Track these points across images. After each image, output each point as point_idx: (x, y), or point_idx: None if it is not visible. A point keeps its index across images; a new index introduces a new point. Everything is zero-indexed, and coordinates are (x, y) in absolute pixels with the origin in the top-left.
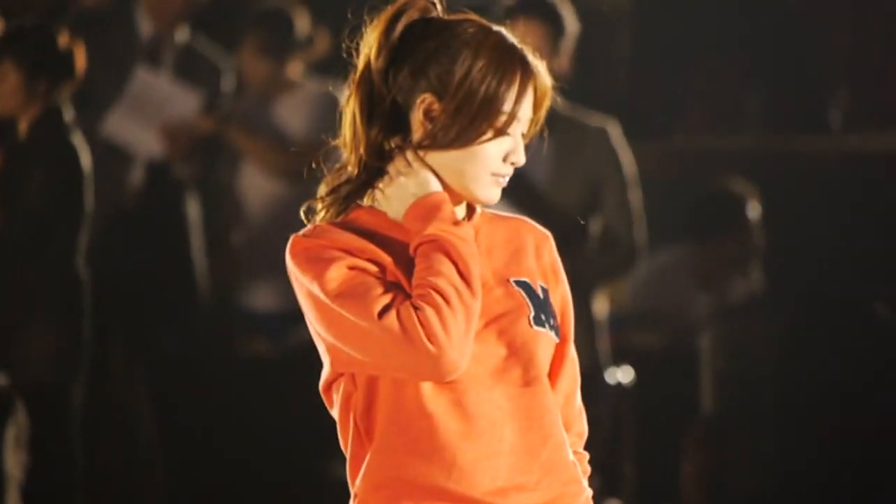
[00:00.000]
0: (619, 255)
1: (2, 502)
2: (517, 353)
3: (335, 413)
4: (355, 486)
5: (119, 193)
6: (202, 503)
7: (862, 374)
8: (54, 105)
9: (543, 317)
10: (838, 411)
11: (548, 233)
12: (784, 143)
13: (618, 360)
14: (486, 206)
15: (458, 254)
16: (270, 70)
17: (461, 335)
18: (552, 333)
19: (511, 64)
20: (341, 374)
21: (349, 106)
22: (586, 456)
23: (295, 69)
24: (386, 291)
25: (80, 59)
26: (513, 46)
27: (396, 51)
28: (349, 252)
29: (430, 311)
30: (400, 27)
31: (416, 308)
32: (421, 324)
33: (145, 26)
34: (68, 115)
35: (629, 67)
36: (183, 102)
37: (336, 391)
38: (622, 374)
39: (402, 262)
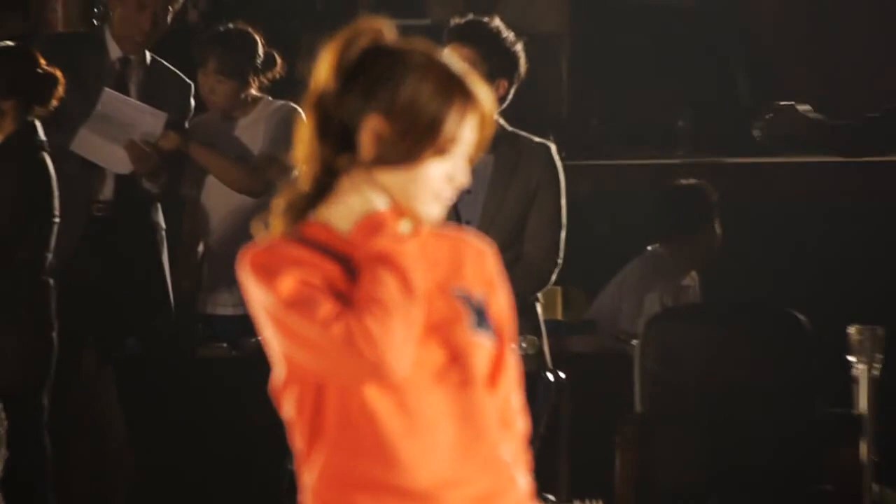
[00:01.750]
0: (531, 273)
1: None
2: (456, 358)
3: (286, 415)
4: (305, 482)
5: (90, 205)
6: (169, 492)
7: (784, 378)
8: (28, 122)
9: (481, 323)
10: (761, 413)
11: (488, 246)
12: (710, 158)
13: (555, 364)
14: (428, 223)
15: (399, 267)
16: (232, 89)
17: (401, 342)
18: (489, 339)
19: (454, 89)
20: (292, 380)
21: (303, 127)
22: (526, 452)
23: (255, 89)
24: (330, 302)
25: (60, 87)
26: (456, 73)
27: (348, 75)
28: (298, 264)
29: (370, 320)
30: (352, 53)
31: (359, 318)
32: (363, 332)
33: (113, 48)
34: (40, 132)
35: (567, 89)
36: (149, 121)
37: (287, 394)
38: (558, 377)
39: (349, 275)
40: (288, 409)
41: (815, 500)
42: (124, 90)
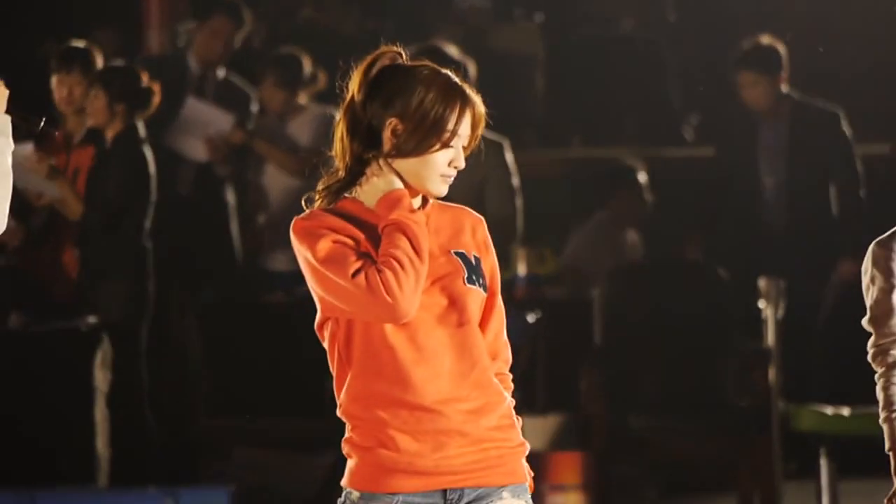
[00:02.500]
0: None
1: (91, 409)
2: (454, 303)
3: (325, 345)
4: (340, 398)
5: (176, 186)
6: (234, 403)
7: (710, 319)
8: (132, 123)
9: (474, 277)
10: (693, 346)
11: (481, 217)
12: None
13: (532, 307)
14: (436, 198)
15: (413, 233)
16: (285, 98)
17: (411, 291)
18: (481, 290)
19: (453, 96)
20: (329, 318)
21: (338, 127)
22: (510, 376)
23: (303, 98)
24: (358, 259)
25: (157, 96)
26: (455, 83)
27: (371, 88)
28: (333, 230)
29: (388, 274)
30: (374, 71)
31: (379, 271)
32: (382, 282)
33: (194, 66)
34: (142, 130)
35: (542, 95)
36: (221, 121)
37: (326, 329)
38: (535, 317)
39: (373, 238)
40: (326, 341)
41: (734, 413)
42: (202, 98)
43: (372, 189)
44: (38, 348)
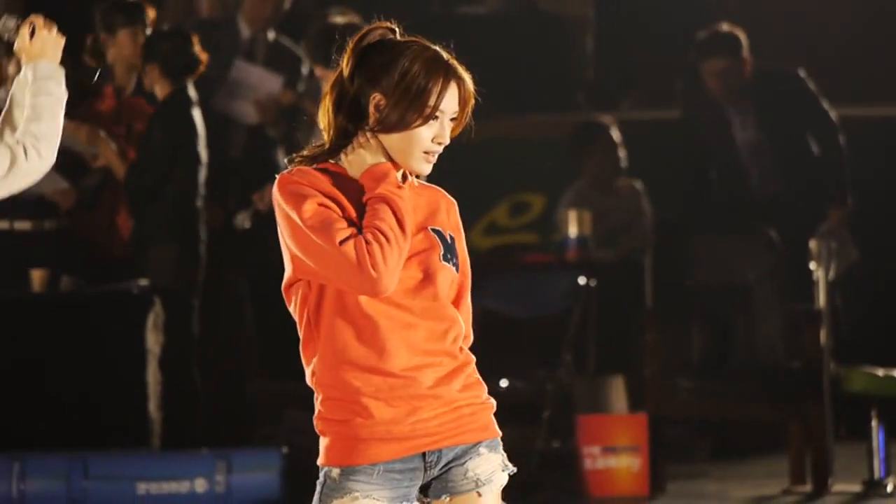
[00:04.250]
0: None
1: (144, 370)
2: (430, 278)
3: (292, 308)
4: (309, 364)
5: (229, 148)
6: (282, 363)
7: (761, 281)
8: (181, 86)
9: (449, 256)
10: (745, 307)
11: (454, 201)
12: None
13: (583, 269)
14: (419, 176)
15: (398, 207)
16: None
17: (394, 266)
18: (453, 269)
19: (437, 70)
20: (300, 279)
21: (325, 100)
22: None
23: None
24: (346, 226)
25: (204, 62)
26: (441, 58)
27: (359, 62)
28: (320, 191)
29: (375, 247)
30: (361, 46)
31: (367, 242)
32: (369, 254)
33: (244, 29)
34: (192, 92)
35: (593, 59)
36: (271, 83)
37: (294, 292)
38: (587, 280)
39: (356, 207)
40: (293, 304)
41: (787, 375)
42: (252, 61)
43: (357, 159)
44: (89, 311)
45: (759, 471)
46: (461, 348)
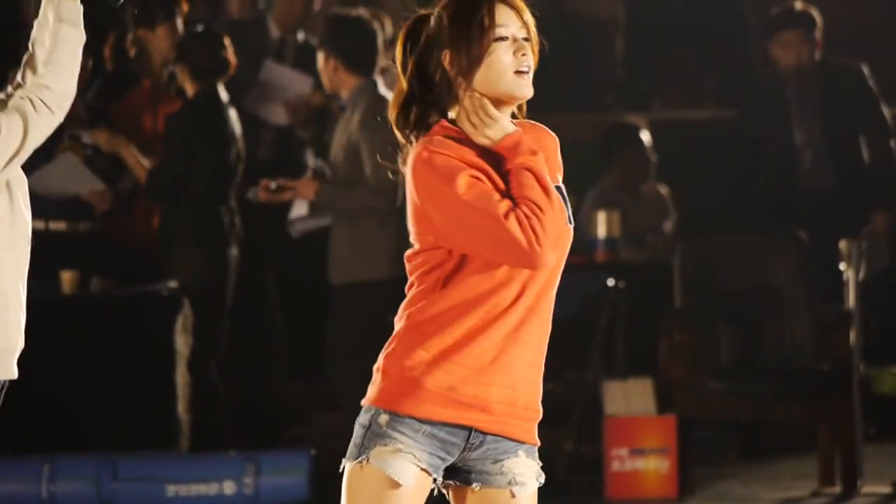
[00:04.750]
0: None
1: (173, 372)
2: (559, 244)
3: (416, 274)
4: (412, 307)
5: (258, 149)
6: (311, 365)
7: (790, 281)
8: (211, 86)
9: (569, 214)
10: (773, 308)
11: (555, 136)
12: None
13: (612, 270)
14: (523, 99)
15: (542, 176)
16: None
17: (554, 238)
18: (572, 228)
19: (473, 1)
20: (440, 248)
21: (396, 101)
22: None
23: (384, 60)
24: (501, 198)
25: (233, 62)
26: (472, 8)
27: (412, 46)
28: (467, 163)
29: (535, 220)
30: (408, 32)
31: (525, 217)
32: (532, 229)
33: (274, 30)
34: (222, 93)
35: (622, 58)
36: (300, 84)
37: (425, 258)
38: (614, 281)
39: (497, 174)
40: (419, 267)
41: (816, 376)
42: (281, 61)
43: (471, 129)
44: (119, 313)
45: (787, 472)
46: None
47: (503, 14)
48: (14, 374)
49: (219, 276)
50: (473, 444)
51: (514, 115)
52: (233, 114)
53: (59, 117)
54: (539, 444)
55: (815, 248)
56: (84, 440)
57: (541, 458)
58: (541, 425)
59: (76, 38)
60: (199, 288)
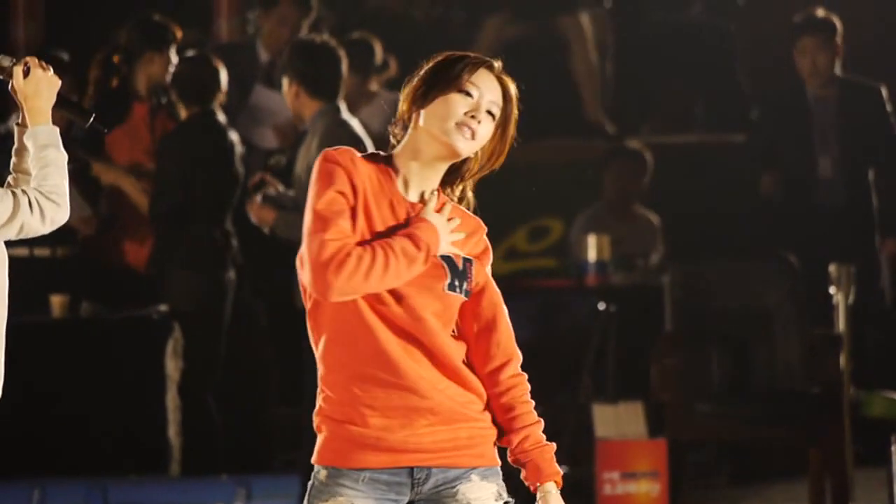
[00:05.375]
0: None
1: (164, 396)
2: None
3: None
4: (318, 358)
5: (248, 173)
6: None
7: (780, 305)
8: (205, 109)
9: (461, 286)
10: (764, 331)
11: (483, 226)
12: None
13: (602, 294)
14: (457, 155)
15: (424, 250)
16: (356, 84)
17: (356, 285)
18: (462, 296)
19: (463, 55)
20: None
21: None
22: (525, 375)
23: (374, 85)
24: (344, 227)
25: (222, 86)
26: (468, 54)
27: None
28: (347, 181)
29: (354, 257)
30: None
31: (349, 251)
32: (342, 258)
33: (263, 54)
34: (219, 115)
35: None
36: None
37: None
38: (605, 304)
39: (376, 210)
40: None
41: (806, 400)
42: (271, 85)
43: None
44: (109, 337)
45: (779, 495)
46: (463, 375)
47: (484, 80)
48: None
49: (213, 299)
50: (420, 478)
51: (460, 200)
52: (234, 136)
53: (45, 230)
54: (498, 462)
55: (824, 266)
56: (74, 465)
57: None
58: None
59: (61, 160)
60: (193, 311)
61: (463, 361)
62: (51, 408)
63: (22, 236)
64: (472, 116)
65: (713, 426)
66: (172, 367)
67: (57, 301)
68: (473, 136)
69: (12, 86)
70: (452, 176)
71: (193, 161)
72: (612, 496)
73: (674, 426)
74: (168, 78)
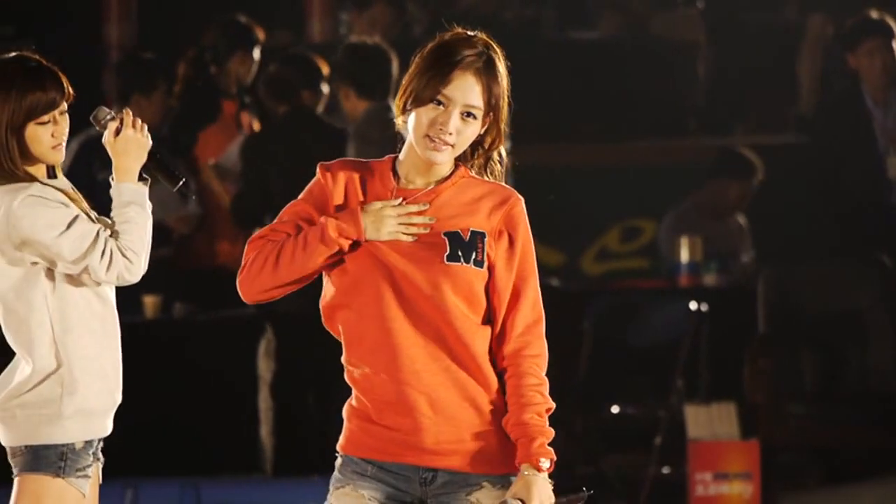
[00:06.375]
0: None
1: (256, 396)
2: (430, 283)
3: None
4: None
5: None
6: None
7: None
8: (295, 107)
9: (460, 254)
10: (856, 335)
11: (509, 199)
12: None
13: (695, 295)
14: (433, 164)
15: (328, 244)
16: None
17: (257, 289)
18: (471, 266)
19: (441, 57)
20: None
21: None
22: (538, 367)
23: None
24: (279, 230)
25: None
26: (452, 48)
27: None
28: (320, 193)
29: (252, 257)
30: None
31: (261, 249)
32: (251, 260)
33: None
34: (306, 116)
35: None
36: None
37: None
38: (698, 306)
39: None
40: None
41: None
42: None
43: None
44: (202, 337)
45: (871, 498)
46: (481, 369)
47: (457, 84)
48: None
49: (302, 297)
50: (426, 477)
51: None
52: (328, 133)
53: (108, 281)
54: (506, 469)
55: None
56: (167, 465)
57: (625, 482)
58: (624, 449)
59: (142, 218)
60: (287, 311)
61: (488, 349)
62: (143, 408)
63: (82, 277)
64: (440, 128)
65: (805, 428)
66: (265, 367)
67: (150, 301)
68: (443, 145)
69: (104, 138)
70: (474, 150)
71: (283, 158)
72: (705, 497)
73: (766, 428)
74: (255, 77)
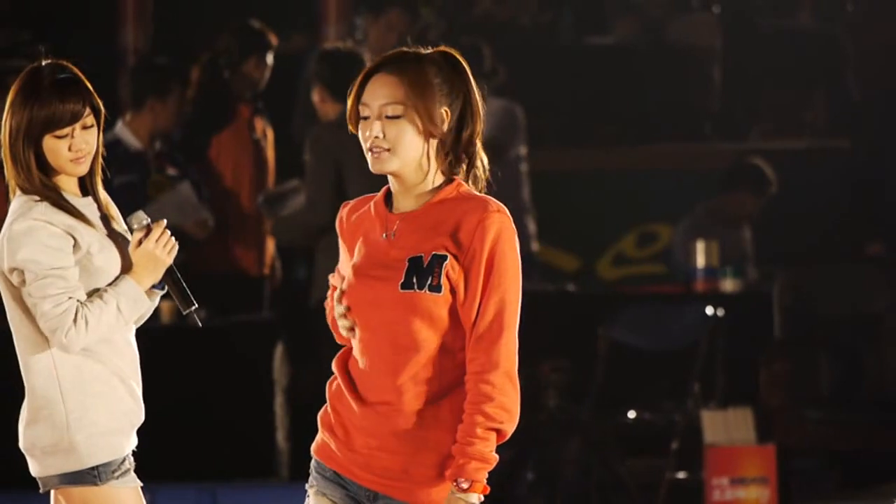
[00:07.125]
0: None
1: (272, 403)
2: (375, 307)
3: None
4: None
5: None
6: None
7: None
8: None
9: (414, 281)
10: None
11: (483, 218)
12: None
13: (712, 301)
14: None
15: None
16: None
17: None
18: (426, 292)
19: (358, 79)
20: None
21: None
22: (489, 385)
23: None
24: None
25: None
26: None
27: None
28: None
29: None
30: None
31: None
32: None
33: (370, 59)
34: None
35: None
36: None
37: None
38: (714, 310)
39: (366, 239)
40: None
41: None
42: None
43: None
44: (217, 342)
45: (888, 502)
46: (441, 392)
47: (370, 92)
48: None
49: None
50: (369, 495)
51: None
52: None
53: (45, 327)
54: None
55: None
56: (184, 470)
57: (642, 487)
58: (640, 454)
59: (123, 316)
60: (300, 316)
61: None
62: (159, 412)
63: (35, 314)
64: (371, 138)
65: (822, 432)
66: (281, 371)
67: (165, 306)
68: (379, 151)
69: (131, 244)
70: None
71: (315, 166)
72: (722, 502)
73: (783, 432)
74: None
